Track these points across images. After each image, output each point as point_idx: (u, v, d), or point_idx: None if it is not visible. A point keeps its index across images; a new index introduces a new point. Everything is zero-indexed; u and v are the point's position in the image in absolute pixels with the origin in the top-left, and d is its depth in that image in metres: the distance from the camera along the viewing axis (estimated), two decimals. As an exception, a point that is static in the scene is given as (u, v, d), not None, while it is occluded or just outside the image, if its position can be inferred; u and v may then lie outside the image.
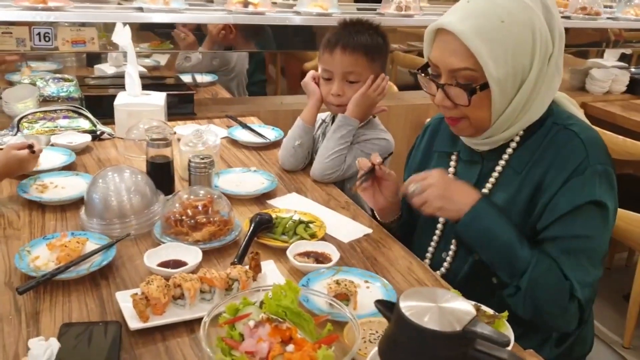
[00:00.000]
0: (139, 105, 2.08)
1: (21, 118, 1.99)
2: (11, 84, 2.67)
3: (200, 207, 1.43)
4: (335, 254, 1.38)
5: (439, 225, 1.49)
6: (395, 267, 1.41)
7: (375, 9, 3.05)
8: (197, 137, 1.77)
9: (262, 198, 1.72)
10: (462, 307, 0.74)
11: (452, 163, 1.48)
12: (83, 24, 2.22)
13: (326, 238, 1.50)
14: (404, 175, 1.65)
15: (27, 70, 2.83)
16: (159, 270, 1.25)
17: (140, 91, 2.12)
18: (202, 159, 1.61)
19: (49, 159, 1.81)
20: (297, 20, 2.59)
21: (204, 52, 2.83)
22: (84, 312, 1.16)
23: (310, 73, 1.94)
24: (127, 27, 2.09)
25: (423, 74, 1.35)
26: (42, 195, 1.59)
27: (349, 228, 1.59)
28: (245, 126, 2.24)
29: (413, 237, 1.59)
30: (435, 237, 1.50)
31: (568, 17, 3.23)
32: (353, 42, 1.79)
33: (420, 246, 1.54)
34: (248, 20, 2.50)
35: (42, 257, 1.28)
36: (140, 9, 2.38)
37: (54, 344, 1.00)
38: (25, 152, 1.56)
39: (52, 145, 1.92)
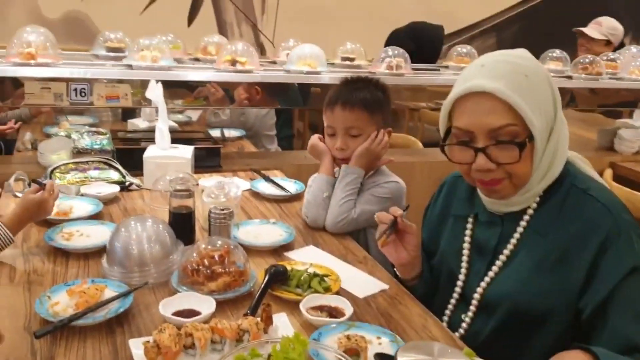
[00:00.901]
0: (167, 158, 2.15)
1: (54, 168, 2.08)
2: (48, 136, 2.79)
3: (216, 257, 1.45)
4: (348, 309, 1.38)
5: (459, 283, 1.47)
6: (410, 324, 1.40)
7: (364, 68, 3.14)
8: (219, 189, 1.81)
9: (279, 250, 1.74)
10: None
11: (469, 226, 1.47)
12: (120, 81, 2.34)
13: (341, 292, 1.50)
14: (422, 231, 1.65)
15: (65, 123, 2.96)
16: (172, 319, 1.27)
17: (169, 144, 2.20)
18: (222, 210, 1.65)
19: (77, 208, 1.88)
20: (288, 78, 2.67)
21: (229, 108, 2.93)
22: (96, 358, 1.18)
23: (315, 136, 2.04)
24: (160, 84, 2.19)
25: (450, 144, 1.36)
26: (67, 243, 1.65)
27: (364, 283, 1.59)
28: (267, 179, 2.29)
29: (434, 297, 1.57)
30: (455, 295, 1.49)
31: (596, 78, 3.24)
32: (353, 99, 1.88)
33: (439, 305, 1.52)
34: (237, 78, 2.58)
35: (61, 303, 1.32)
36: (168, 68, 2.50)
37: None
38: (40, 193, 1.63)
39: (81, 195, 1.99)
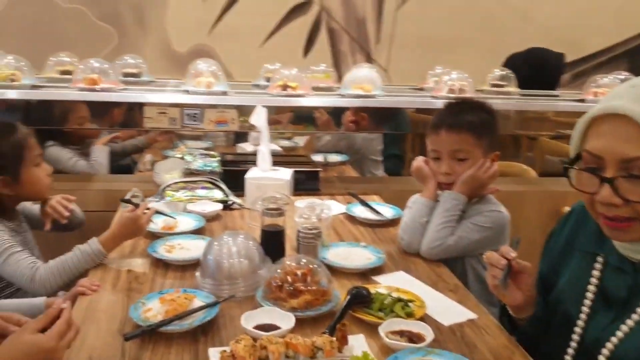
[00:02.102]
0: (267, 179, 2.23)
1: (165, 187, 2.23)
2: (166, 158, 3.01)
3: (299, 275, 1.48)
4: (429, 335, 1.35)
5: (577, 330, 1.29)
6: (494, 356, 1.33)
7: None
8: (310, 210, 1.85)
9: (368, 273, 1.73)
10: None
11: (598, 266, 1.29)
12: (229, 107, 2.48)
13: (425, 319, 1.46)
14: (539, 263, 1.51)
15: (182, 147, 3.17)
16: (251, 331, 1.31)
17: (269, 167, 2.29)
18: (310, 229, 1.68)
19: (182, 223, 2.00)
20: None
21: (331, 133, 3.00)
22: (178, 363, 1.24)
23: (420, 158, 1.98)
24: (264, 109, 2.30)
25: (576, 168, 1.21)
26: (168, 254, 1.76)
27: (452, 311, 1.54)
28: (363, 203, 2.30)
29: (545, 334, 1.42)
30: (573, 344, 1.30)
31: None
32: (458, 121, 1.84)
33: (552, 351, 1.36)
34: (285, 103, 2.65)
35: (153, 310, 1.41)
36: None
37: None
38: (133, 212, 1.77)
39: (187, 211, 2.12)
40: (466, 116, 1.86)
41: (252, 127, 2.41)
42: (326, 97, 2.79)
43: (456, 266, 1.89)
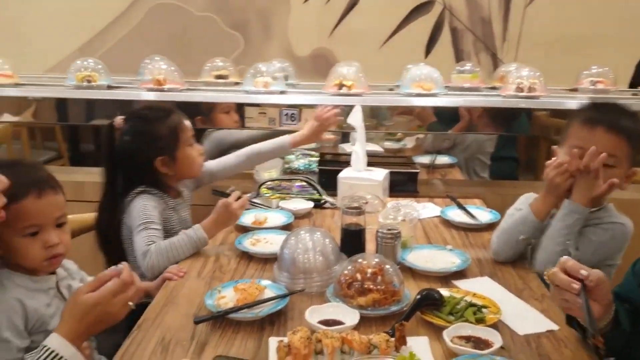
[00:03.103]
0: (359, 180, 2.24)
1: (262, 184, 2.33)
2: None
3: (369, 274, 1.48)
4: (497, 342, 1.29)
5: None
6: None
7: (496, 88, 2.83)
8: (395, 211, 1.84)
9: (449, 277, 1.69)
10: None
11: None
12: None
13: (499, 326, 1.40)
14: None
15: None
16: (312, 324, 1.34)
17: (364, 167, 2.30)
18: (389, 230, 1.67)
19: (271, 219, 2.07)
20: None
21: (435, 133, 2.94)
22: (241, 349, 1.30)
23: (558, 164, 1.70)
24: (360, 109, 2.32)
25: None
26: (252, 247, 1.83)
27: (531, 320, 1.46)
28: (460, 206, 2.23)
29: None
30: None
31: None
32: (619, 124, 1.65)
33: None
34: (343, 101, 2.56)
35: (227, 297, 1.48)
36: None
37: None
38: (224, 200, 1.86)
39: (280, 208, 2.19)
40: (626, 121, 1.67)
41: (351, 127, 2.43)
42: (384, 95, 2.74)
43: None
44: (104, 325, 1.24)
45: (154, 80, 2.68)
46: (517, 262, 1.80)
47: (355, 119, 2.31)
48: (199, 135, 2.84)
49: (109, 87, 2.77)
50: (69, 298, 1.25)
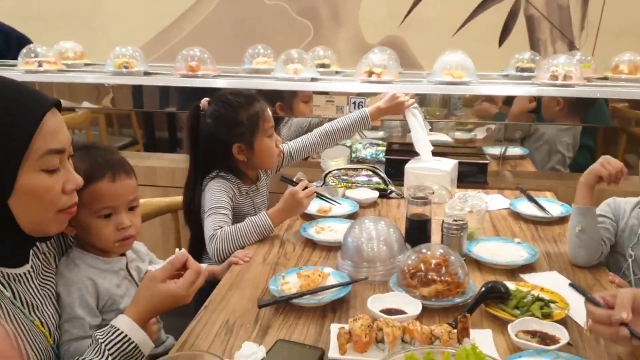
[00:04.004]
0: (427, 170, 2.22)
1: (328, 172, 2.34)
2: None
3: (433, 264, 1.47)
4: (564, 338, 1.25)
5: None
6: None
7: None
8: (462, 202, 1.81)
9: (516, 271, 1.64)
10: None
11: None
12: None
13: (567, 322, 1.36)
14: None
15: (357, 136, 3.26)
16: (374, 312, 1.34)
17: (430, 157, 2.27)
18: (455, 221, 1.65)
19: (336, 208, 2.08)
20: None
21: (506, 123, 2.86)
22: (303, 334, 1.32)
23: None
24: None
25: None
26: (316, 235, 1.85)
27: (602, 318, 1.40)
28: (530, 199, 2.17)
29: None
30: None
31: None
32: None
33: None
34: (372, 89, 2.51)
35: (290, 283, 1.50)
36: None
37: (260, 352, 1.18)
38: (291, 188, 1.87)
39: (345, 197, 2.20)
40: None
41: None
42: (413, 84, 2.65)
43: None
44: (172, 308, 1.27)
45: (187, 67, 2.73)
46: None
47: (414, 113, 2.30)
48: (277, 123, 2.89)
49: (145, 74, 2.86)
50: (144, 282, 1.29)
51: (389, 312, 1.37)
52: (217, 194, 1.93)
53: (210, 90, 2.31)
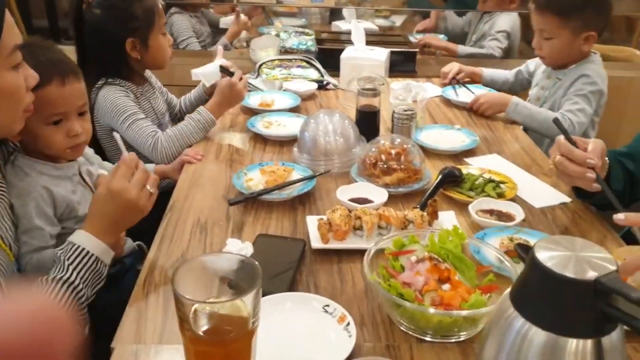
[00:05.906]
0: (362, 59, 2.22)
1: (262, 64, 2.28)
2: (261, 35, 3.02)
3: (393, 154, 1.52)
4: (519, 215, 1.37)
5: None
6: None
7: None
8: (406, 92, 1.85)
9: (460, 155, 1.74)
10: (604, 259, 0.72)
11: None
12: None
13: (516, 200, 1.48)
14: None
15: (278, 24, 3.17)
16: (346, 203, 1.38)
17: (364, 46, 2.26)
18: (405, 111, 1.69)
19: (278, 101, 2.06)
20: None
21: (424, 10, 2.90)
22: (279, 228, 1.34)
23: None
24: None
25: None
26: (266, 130, 1.83)
27: (544, 194, 1.54)
28: (461, 85, 2.25)
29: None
30: None
31: None
32: (543, 2, 1.98)
33: None
34: None
35: (254, 180, 1.50)
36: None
37: (248, 247, 1.19)
38: (227, 79, 1.83)
39: (283, 90, 2.17)
40: None
41: (347, 4, 2.36)
42: None
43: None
44: (132, 219, 1.17)
45: None
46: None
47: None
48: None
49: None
50: (94, 194, 1.19)
51: (357, 201, 1.42)
52: (120, 101, 1.78)
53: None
